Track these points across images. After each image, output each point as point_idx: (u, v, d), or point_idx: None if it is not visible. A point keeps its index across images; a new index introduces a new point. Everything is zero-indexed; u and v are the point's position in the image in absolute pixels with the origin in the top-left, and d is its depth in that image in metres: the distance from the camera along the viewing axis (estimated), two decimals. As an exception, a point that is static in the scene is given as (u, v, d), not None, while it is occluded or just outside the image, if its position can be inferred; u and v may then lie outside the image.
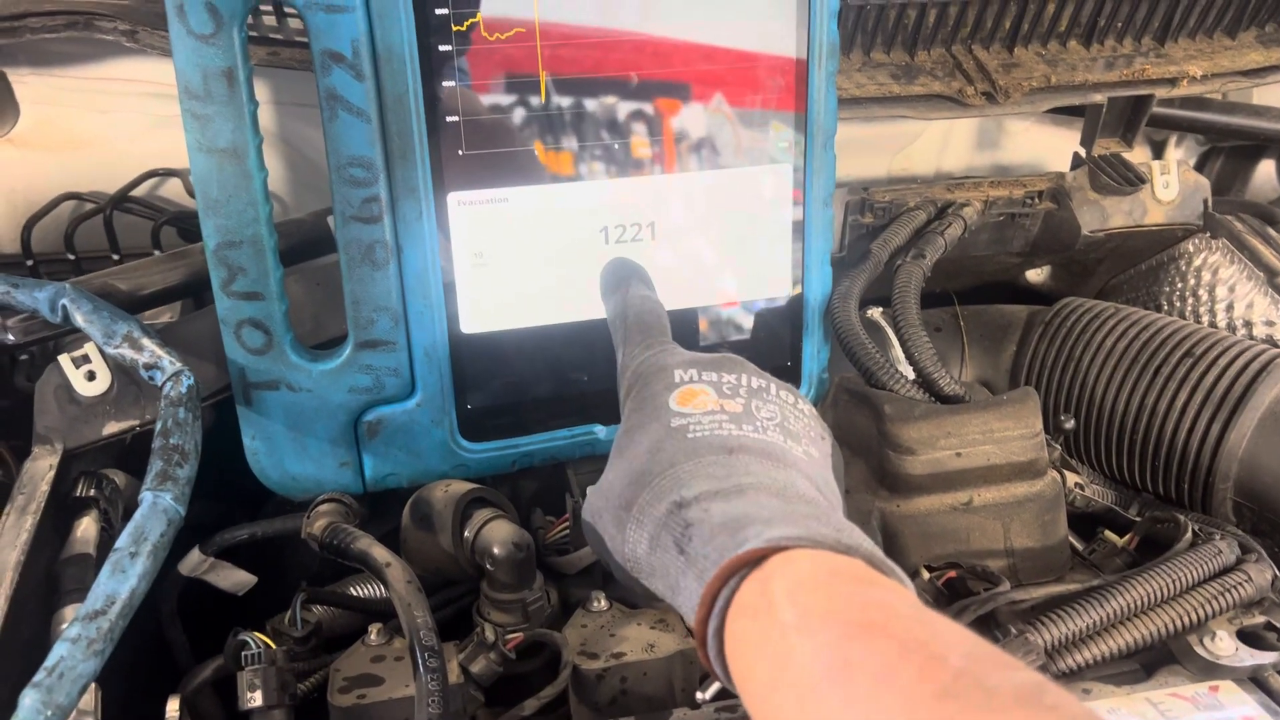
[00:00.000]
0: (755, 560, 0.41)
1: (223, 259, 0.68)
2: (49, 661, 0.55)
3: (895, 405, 0.73)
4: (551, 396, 0.78)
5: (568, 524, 0.75)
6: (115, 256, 0.99)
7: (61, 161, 1.06)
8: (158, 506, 0.62)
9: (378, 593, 0.77)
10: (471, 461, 0.77)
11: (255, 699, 0.63)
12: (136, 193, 1.01)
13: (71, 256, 0.99)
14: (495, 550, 0.67)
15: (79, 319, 0.69)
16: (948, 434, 0.72)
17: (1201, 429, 0.79)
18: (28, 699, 0.53)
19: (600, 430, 0.79)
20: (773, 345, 0.81)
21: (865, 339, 0.77)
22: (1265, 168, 1.24)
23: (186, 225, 1.00)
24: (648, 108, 0.73)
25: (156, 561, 0.60)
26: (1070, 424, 0.80)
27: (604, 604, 0.70)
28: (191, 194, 1.02)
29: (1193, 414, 0.80)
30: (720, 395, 0.53)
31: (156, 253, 0.98)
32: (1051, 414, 0.86)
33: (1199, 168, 1.25)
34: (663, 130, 0.74)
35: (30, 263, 0.98)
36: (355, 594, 0.76)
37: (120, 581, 0.58)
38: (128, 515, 0.74)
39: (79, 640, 0.55)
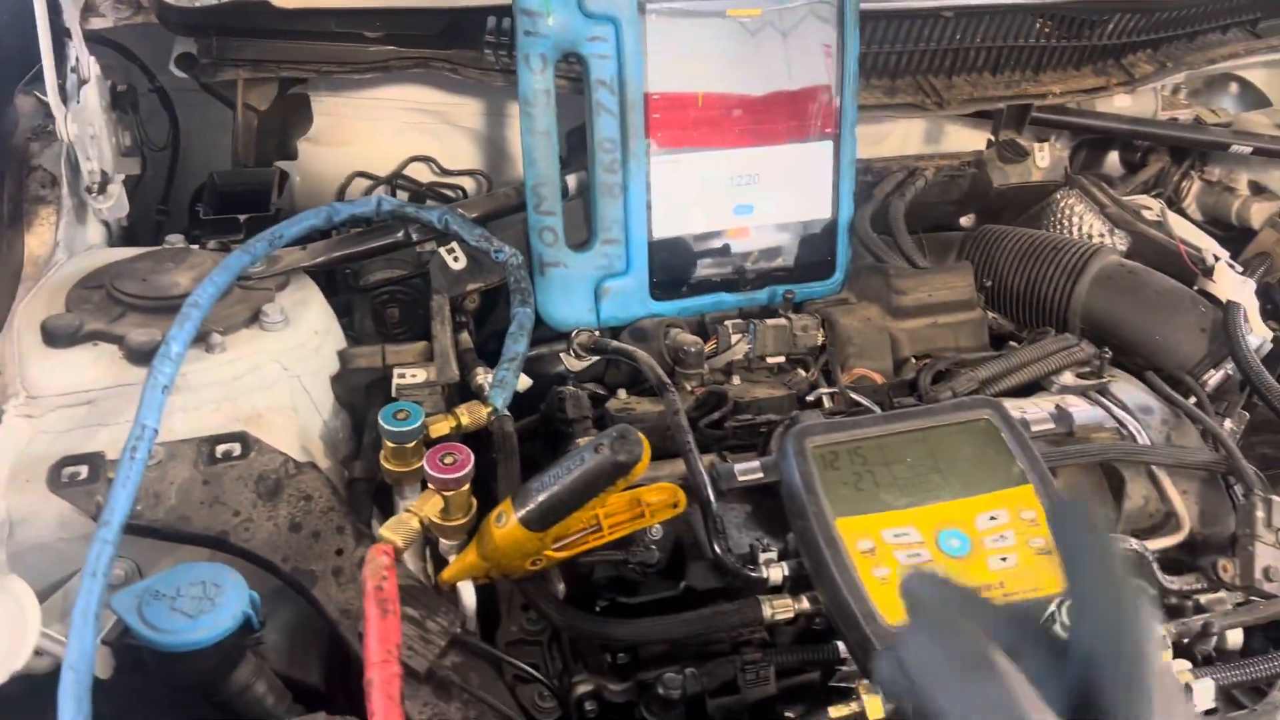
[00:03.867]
0: None
1: (535, 191, 1.26)
2: (505, 357, 1.12)
3: (897, 270, 1.33)
4: (698, 278, 1.37)
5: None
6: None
7: (342, 153, 1.63)
8: (525, 313, 1.20)
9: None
10: (657, 311, 1.35)
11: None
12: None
13: (367, 212, 1.55)
14: (687, 346, 1.26)
15: (454, 227, 1.27)
16: (924, 284, 1.32)
17: (1060, 287, 1.40)
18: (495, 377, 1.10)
19: (727, 297, 1.38)
20: (820, 246, 1.41)
21: (877, 239, 1.37)
22: (1112, 157, 1.89)
23: (437, 195, 1.58)
24: (760, 120, 1.33)
25: (528, 341, 1.18)
26: (989, 283, 1.41)
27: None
28: (440, 171, 1.60)
29: (1056, 278, 1.41)
30: None
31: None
32: (978, 280, 1.47)
33: (1071, 158, 1.89)
34: (765, 123, 1.34)
35: (340, 216, 1.54)
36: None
37: (518, 344, 1.16)
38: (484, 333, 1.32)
39: (512, 363, 1.13)
